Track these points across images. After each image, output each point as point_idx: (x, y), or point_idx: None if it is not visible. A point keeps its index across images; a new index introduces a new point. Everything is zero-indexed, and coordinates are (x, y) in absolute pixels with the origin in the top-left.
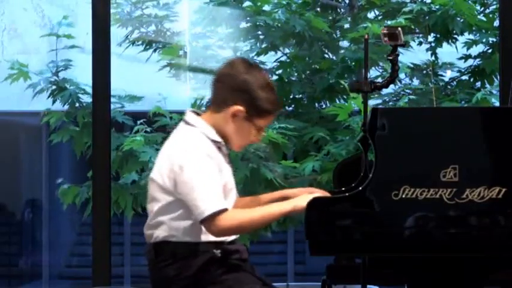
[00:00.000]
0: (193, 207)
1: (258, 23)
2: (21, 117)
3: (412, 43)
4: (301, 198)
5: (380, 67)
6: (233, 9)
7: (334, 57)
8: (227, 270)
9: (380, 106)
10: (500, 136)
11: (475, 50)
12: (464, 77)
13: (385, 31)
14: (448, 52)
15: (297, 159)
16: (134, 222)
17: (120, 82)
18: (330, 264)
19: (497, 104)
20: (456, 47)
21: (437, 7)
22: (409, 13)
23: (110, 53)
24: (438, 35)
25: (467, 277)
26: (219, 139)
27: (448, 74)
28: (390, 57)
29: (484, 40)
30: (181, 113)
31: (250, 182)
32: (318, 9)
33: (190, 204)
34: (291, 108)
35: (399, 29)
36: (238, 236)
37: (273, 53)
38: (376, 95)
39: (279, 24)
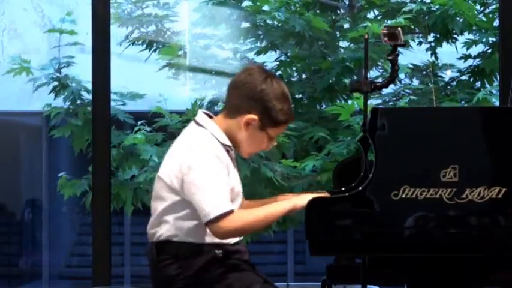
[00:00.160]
0: (199, 209)
1: (257, 23)
2: (21, 117)
3: (412, 43)
4: (301, 197)
5: (380, 67)
6: (233, 9)
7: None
8: (228, 269)
9: (380, 106)
10: (500, 136)
11: (475, 50)
12: (464, 77)
13: (385, 31)
14: (448, 52)
15: (297, 159)
16: (134, 222)
17: (120, 81)
18: (330, 264)
19: (497, 104)
20: (456, 47)
21: (437, 7)
22: (408, 13)
23: (110, 53)
24: (438, 35)
25: (467, 277)
26: (228, 143)
27: (448, 74)
28: (390, 57)
29: (483, 40)
30: (180, 113)
31: (251, 182)
32: (318, 10)
33: (196, 205)
34: None
35: (399, 29)
36: (242, 238)
37: (272, 52)
38: (376, 95)
39: (279, 24)
